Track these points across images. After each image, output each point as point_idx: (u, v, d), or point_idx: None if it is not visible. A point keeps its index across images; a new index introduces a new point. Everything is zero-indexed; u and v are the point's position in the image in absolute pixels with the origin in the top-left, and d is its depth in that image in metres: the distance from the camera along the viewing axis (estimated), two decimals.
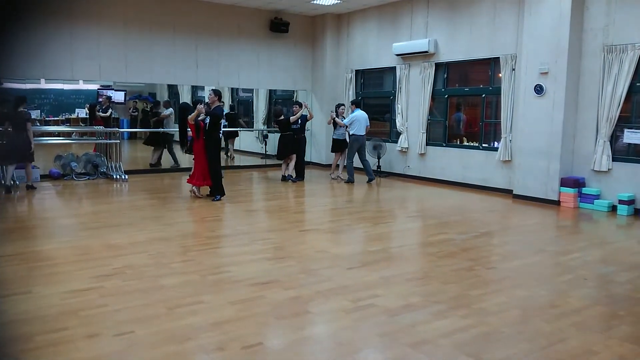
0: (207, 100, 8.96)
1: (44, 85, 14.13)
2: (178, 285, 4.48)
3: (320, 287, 4.51)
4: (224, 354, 3.24)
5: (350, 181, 11.00)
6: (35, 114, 13.66)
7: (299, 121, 10.98)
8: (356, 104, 11.37)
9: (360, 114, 10.95)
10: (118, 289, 4.38)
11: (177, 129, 9.93)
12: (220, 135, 8.70)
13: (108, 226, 6.64)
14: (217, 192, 8.61)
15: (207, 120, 8.41)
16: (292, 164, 11.12)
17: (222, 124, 8.53)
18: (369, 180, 11.03)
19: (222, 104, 9.89)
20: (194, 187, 8.77)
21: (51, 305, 3.96)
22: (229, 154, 14.86)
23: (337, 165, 11.63)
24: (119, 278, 4.65)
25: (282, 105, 15.43)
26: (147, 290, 4.36)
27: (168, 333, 3.51)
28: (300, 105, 11.20)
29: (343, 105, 11.69)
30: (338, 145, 11.47)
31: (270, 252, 5.72)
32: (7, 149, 9.24)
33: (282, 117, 11.05)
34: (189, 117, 8.45)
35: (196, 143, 8.62)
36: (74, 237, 6.18)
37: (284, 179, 11.06)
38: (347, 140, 11.28)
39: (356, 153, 11.04)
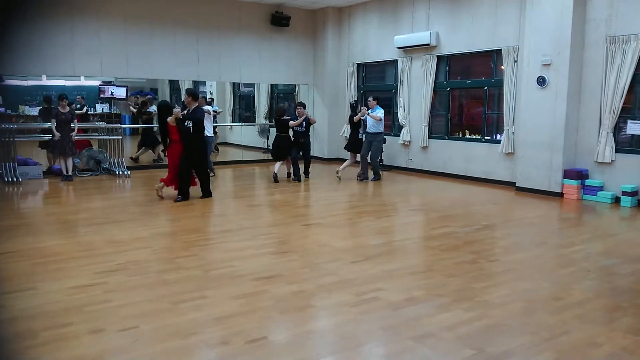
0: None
1: (45, 81, 14.15)
2: (181, 281, 4.49)
3: (323, 281, 4.52)
4: (228, 349, 3.25)
5: (377, 179, 10.47)
6: (35, 110, 13.72)
7: (304, 124, 10.44)
8: (378, 100, 10.51)
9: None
10: (122, 284, 4.40)
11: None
12: (210, 135, 8.72)
13: (111, 222, 6.65)
14: (181, 194, 8.02)
15: (190, 124, 7.89)
16: (289, 165, 10.57)
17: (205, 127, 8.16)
18: (363, 179, 10.52)
19: (207, 102, 9.81)
20: (159, 185, 8.20)
21: (56, 301, 3.97)
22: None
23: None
24: (123, 273, 4.67)
25: (283, 99, 15.43)
26: (150, 285, 4.38)
27: (172, 328, 3.52)
28: (304, 106, 10.72)
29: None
30: (359, 146, 10.64)
31: (273, 246, 5.73)
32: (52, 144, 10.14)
33: (284, 117, 10.41)
34: (169, 119, 8.04)
35: (172, 145, 8.14)
36: (77, 233, 6.20)
37: (275, 178, 10.13)
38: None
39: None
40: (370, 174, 10.65)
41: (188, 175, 8.09)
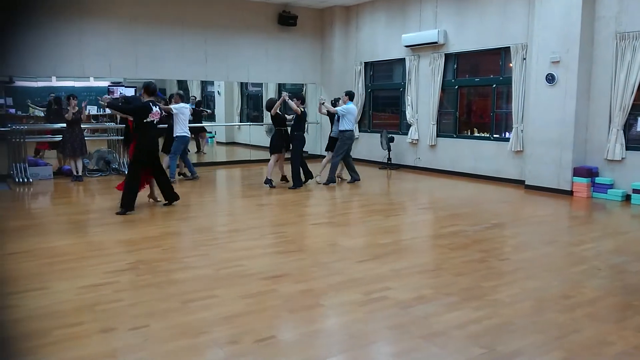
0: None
1: (55, 82, 14.22)
2: (191, 280, 4.51)
3: (331, 280, 4.52)
4: (237, 348, 3.26)
5: (331, 182, 9.70)
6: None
7: (293, 117, 9.38)
8: (350, 95, 9.85)
9: (353, 107, 9.76)
10: (132, 283, 4.42)
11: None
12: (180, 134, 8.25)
13: (121, 222, 6.69)
14: (123, 204, 7.08)
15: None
16: (271, 163, 9.42)
17: (154, 123, 7.15)
18: (354, 180, 9.97)
19: (191, 101, 9.25)
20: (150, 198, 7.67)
21: (67, 301, 4.00)
22: (201, 150, 14.85)
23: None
24: (133, 273, 4.69)
25: (291, 99, 15.42)
26: (160, 284, 4.40)
27: (182, 327, 3.54)
28: (300, 98, 9.41)
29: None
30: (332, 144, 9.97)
31: (282, 245, 5.74)
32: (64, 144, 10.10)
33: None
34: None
35: (133, 143, 7.53)
36: (87, 233, 6.24)
37: (267, 181, 9.40)
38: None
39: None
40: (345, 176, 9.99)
41: (135, 180, 7.21)
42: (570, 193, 8.78)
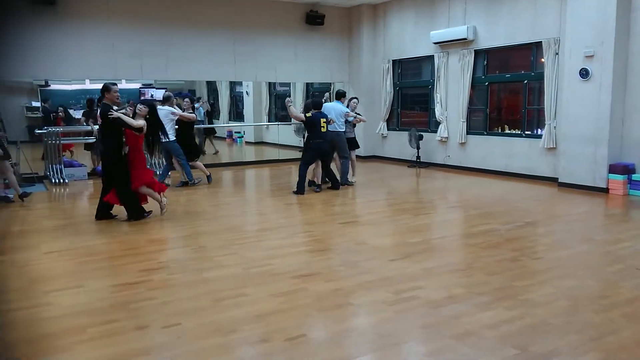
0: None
1: (88, 85, 14.57)
2: (222, 278, 4.56)
3: (361, 279, 4.51)
4: (268, 346, 3.29)
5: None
6: (79, 113, 14.11)
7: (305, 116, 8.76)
8: (336, 94, 9.58)
9: (332, 105, 9.19)
10: (164, 282, 4.50)
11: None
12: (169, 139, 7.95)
13: (152, 221, 6.80)
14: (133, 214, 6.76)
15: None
16: (319, 169, 9.04)
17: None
18: (335, 186, 9.24)
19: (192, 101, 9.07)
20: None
21: (101, 299, 4.10)
22: (215, 151, 14.88)
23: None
24: (165, 272, 4.77)
25: (319, 97, 15.45)
26: (192, 283, 4.46)
27: (213, 325, 3.58)
28: (317, 105, 8.88)
29: (356, 98, 10.00)
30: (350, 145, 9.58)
31: (311, 244, 5.75)
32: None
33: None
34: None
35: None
36: (120, 233, 6.36)
37: (311, 184, 9.13)
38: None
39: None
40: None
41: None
42: (605, 190, 8.55)
